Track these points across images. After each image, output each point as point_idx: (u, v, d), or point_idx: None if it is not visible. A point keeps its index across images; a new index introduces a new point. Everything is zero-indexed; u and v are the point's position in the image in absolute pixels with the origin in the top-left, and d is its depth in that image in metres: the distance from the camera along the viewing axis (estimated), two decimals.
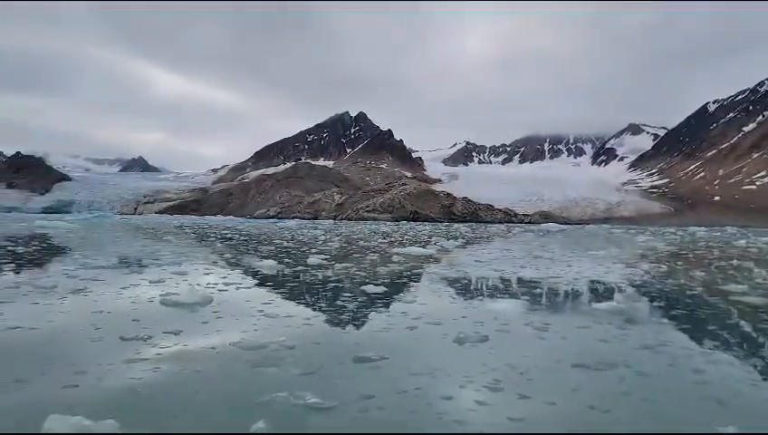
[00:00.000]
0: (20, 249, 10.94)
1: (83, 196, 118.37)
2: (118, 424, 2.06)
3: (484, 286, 6.72)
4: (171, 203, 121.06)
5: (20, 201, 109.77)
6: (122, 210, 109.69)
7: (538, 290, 6.34)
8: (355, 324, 4.24)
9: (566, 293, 6.38)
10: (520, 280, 7.38)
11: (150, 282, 6.21)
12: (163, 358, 3.11)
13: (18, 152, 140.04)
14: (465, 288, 6.64)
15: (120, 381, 2.71)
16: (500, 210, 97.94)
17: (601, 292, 6.60)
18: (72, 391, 2.55)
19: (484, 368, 3.05)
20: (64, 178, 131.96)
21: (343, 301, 5.21)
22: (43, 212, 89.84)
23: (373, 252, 12.15)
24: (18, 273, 7.14)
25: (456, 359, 3.28)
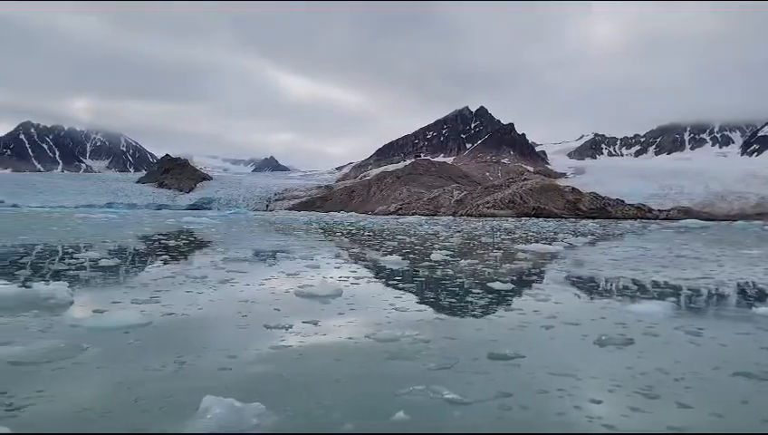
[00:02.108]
0: (171, 243, 12.09)
1: (222, 194, 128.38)
2: (263, 407, 2.16)
3: (622, 286, 6.30)
4: (299, 200, 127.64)
5: (169, 199, 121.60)
6: (255, 207, 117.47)
7: (685, 291, 5.83)
8: (488, 321, 4.16)
9: (718, 295, 5.80)
10: (663, 280, 6.83)
11: (287, 274, 6.56)
12: (305, 346, 3.26)
13: (167, 154, 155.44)
14: (600, 288, 6.28)
15: (268, 366, 2.87)
16: (632, 206, 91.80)
17: (761, 295, 5.92)
18: (225, 373, 2.73)
19: (632, 372, 2.84)
20: (206, 177, 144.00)
21: (472, 297, 5.15)
22: (188, 209, 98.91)
23: (496, 248, 11.91)
24: (171, 264, 7.88)
25: (600, 361, 3.09)
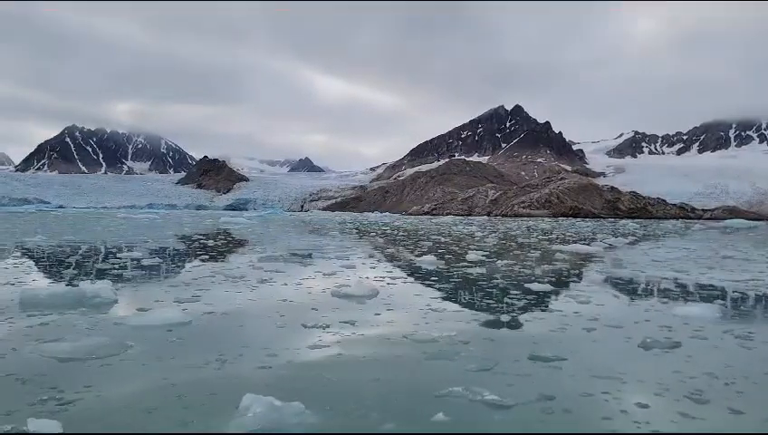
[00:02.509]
0: (210, 243, 12.32)
1: (258, 194, 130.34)
2: (303, 406, 2.16)
3: (666, 288, 6.12)
4: (333, 200, 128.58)
5: (207, 200, 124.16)
6: (291, 207, 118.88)
7: (734, 294, 5.62)
8: (527, 322, 4.09)
9: None
10: (709, 282, 6.61)
11: (324, 274, 6.60)
12: (343, 345, 3.26)
13: (205, 156, 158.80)
14: (643, 290, 6.12)
15: (306, 365, 2.88)
16: (674, 205, 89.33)
17: None
18: (265, 371, 2.76)
19: (679, 376, 2.75)
20: (243, 178, 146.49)
21: (510, 298, 5.08)
22: (225, 209, 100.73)
23: (534, 249, 11.74)
24: (211, 263, 8.03)
25: (645, 364, 3.00)
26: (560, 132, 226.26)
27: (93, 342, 3.07)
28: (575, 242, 14.07)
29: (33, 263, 7.77)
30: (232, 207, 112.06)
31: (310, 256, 9.33)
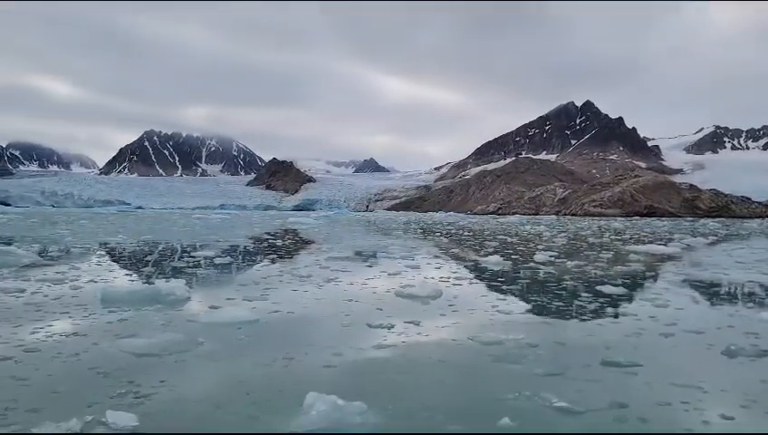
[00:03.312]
0: (279, 242, 12.64)
1: (325, 195, 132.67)
2: (365, 406, 2.15)
3: (751, 292, 5.73)
4: (398, 200, 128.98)
5: (276, 201, 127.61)
6: (356, 208, 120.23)
7: None
8: (599, 326, 3.93)
9: None
10: None
11: (388, 274, 6.61)
12: (407, 346, 3.24)
13: (274, 158, 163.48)
14: (726, 293, 5.75)
15: (371, 365, 2.88)
16: (760, 204, 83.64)
17: None
18: (330, 370, 2.78)
19: None
20: (309, 179, 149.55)
21: (581, 301, 4.89)
22: (293, 209, 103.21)
23: (606, 249, 11.29)
24: (279, 263, 8.22)
25: (729, 373, 2.81)
26: (633, 128, 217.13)
27: (167, 338, 3.19)
28: (650, 242, 13.44)
29: (115, 261, 8.23)
30: (299, 208, 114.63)
31: (375, 255, 9.38)
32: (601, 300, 4.90)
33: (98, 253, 9.39)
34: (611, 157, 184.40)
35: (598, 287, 5.51)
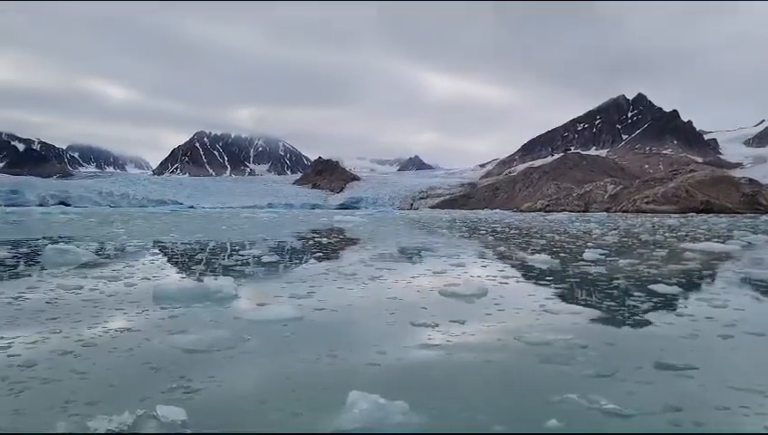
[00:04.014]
0: (324, 240, 12.78)
1: (369, 193, 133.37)
2: (407, 405, 2.13)
3: None
4: (442, 198, 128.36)
5: (321, 199, 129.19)
6: (401, 206, 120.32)
7: None
8: (652, 327, 3.79)
9: None
10: None
11: (433, 272, 6.58)
12: (451, 345, 3.21)
13: (319, 157, 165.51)
14: None
15: (415, 364, 2.86)
16: None
17: None
18: (374, 369, 2.77)
19: None
20: (354, 178, 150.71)
21: (633, 300, 4.73)
22: (338, 208, 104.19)
23: (659, 247, 10.91)
24: (325, 261, 8.30)
25: None
26: (689, 121, 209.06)
27: (215, 334, 3.27)
28: (707, 240, 12.90)
29: (167, 259, 8.49)
30: (344, 206, 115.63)
31: (419, 254, 9.35)
32: (655, 300, 4.73)
33: (151, 251, 9.71)
34: (665, 151, 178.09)
35: (651, 286, 5.32)
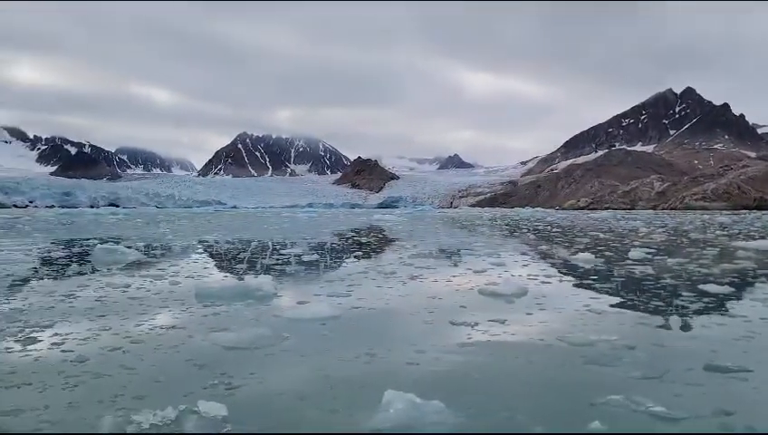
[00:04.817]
0: (363, 239, 12.83)
1: (408, 192, 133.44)
2: (443, 405, 2.10)
3: None
4: (482, 196, 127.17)
5: (361, 198, 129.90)
6: (440, 204, 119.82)
7: None
8: (702, 328, 3.65)
9: None
10: None
11: (473, 271, 6.51)
12: (491, 345, 3.16)
13: (359, 157, 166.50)
14: None
15: (453, 363, 2.83)
16: None
17: None
18: (412, 368, 2.75)
19: None
20: (393, 177, 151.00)
21: (682, 301, 4.57)
22: (378, 207, 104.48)
23: (710, 246, 10.52)
24: (364, 260, 8.33)
25: None
26: (741, 115, 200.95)
27: (255, 332, 3.31)
28: (762, 238, 12.36)
29: (210, 258, 8.69)
30: (383, 205, 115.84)
31: (459, 252, 9.28)
32: (705, 300, 4.56)
33: (195, 250, 9.95)
34: (716, 146, 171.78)
35: (701, 286, 5.13)
